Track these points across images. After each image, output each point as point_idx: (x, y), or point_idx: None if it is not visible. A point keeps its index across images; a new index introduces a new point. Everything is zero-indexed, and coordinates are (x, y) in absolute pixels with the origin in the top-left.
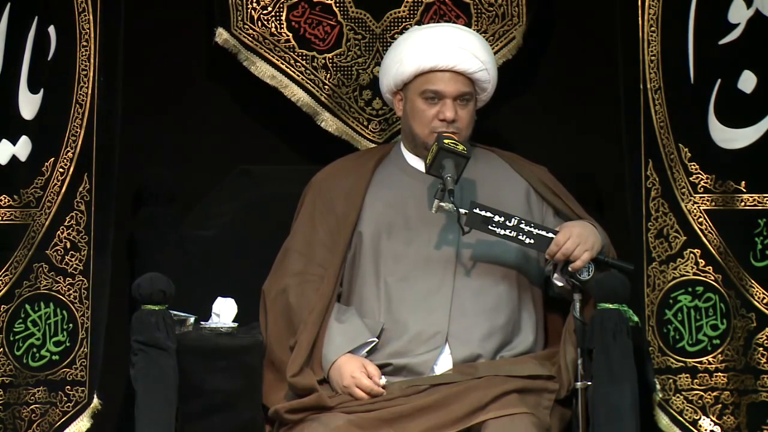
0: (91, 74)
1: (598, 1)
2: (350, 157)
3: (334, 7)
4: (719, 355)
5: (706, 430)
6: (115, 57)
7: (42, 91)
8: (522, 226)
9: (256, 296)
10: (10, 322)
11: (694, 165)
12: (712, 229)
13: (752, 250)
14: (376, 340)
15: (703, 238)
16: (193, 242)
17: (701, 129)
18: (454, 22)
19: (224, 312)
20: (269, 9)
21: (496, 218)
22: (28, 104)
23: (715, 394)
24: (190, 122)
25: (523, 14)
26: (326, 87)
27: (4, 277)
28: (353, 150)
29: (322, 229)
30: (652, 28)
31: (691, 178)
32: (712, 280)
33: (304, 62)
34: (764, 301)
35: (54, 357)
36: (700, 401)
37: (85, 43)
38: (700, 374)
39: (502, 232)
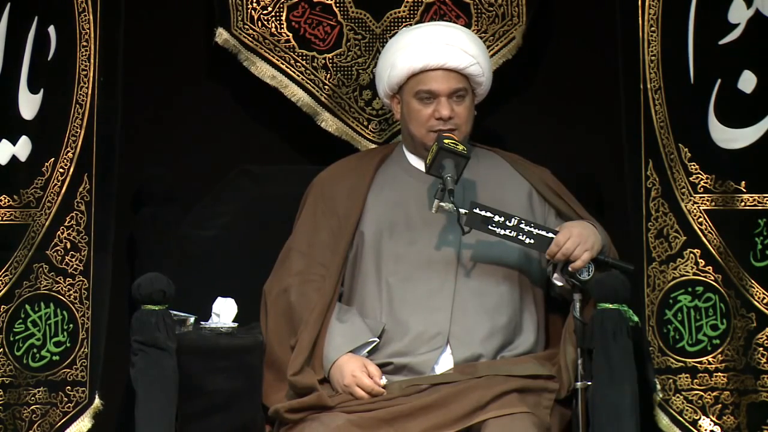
0: (91, 74)
1: (598, 1)
2: (352, 157)
3: (334, 7)
4: (719, 355)
5: (706, 430)
6: (115, 57)
7: (42, 91)
8: (522, 226)
9: (256, 296)
10: (10, 322)
11: (694, 165)
12: (712, 229)
13: (752, 250)
14: (377, 340)
15: (703, 238)
16: (193, 242)
17: (701, 129)
18: (454, 23)
19: (224, 312)
20: (269, 9)
21: (496, 218)
22: (28, 104)
23: (715, 394)
24: (190, 122)
25: (523, 14)
26: (326, 87)
27: (4, 277)
28: (353, 150)
29: (323, 230)
30: (652, 28)
31: (691, 178)
32: (712, 280)
33: (304, 62)
34: (764, 301)
35: (54, 357)
36: (700, 401)
37: (85, 43)
38: (700, 374)
39: (502, 232)
